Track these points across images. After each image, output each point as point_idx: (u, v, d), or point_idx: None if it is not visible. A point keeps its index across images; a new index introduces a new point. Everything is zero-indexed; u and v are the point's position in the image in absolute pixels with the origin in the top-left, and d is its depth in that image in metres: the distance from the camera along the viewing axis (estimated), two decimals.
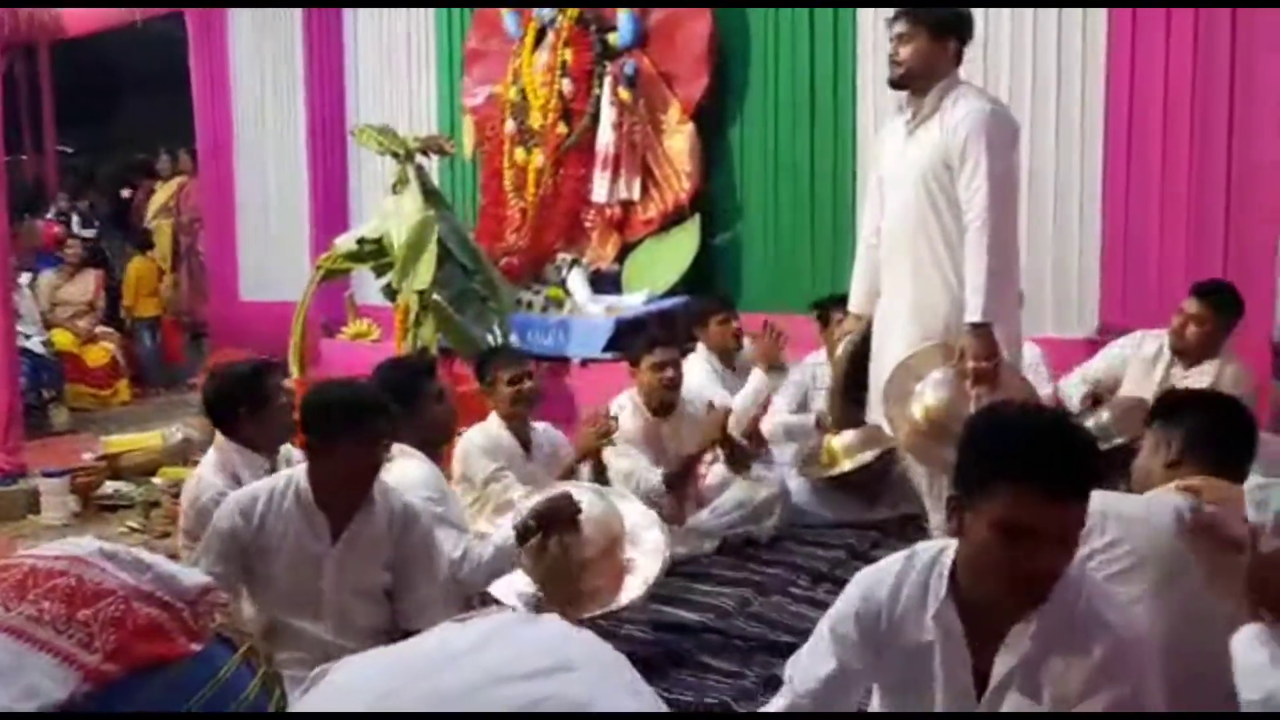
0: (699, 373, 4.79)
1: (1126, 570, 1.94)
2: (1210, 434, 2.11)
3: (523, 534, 2.87)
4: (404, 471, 2.85)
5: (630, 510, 3.22)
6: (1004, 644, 1.66)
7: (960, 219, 3.10)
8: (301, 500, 2.52)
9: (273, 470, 3.05)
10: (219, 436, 3.12)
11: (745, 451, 4.14)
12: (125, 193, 9.76)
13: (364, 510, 2.53)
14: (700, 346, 4.84)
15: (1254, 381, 3.77)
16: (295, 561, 2.53)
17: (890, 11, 3.29)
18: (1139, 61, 4.62)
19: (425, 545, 2.59)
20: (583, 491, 3.09)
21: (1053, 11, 4.87)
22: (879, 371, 3.30)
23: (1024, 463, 1.58)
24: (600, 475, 3.77)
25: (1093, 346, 4.76)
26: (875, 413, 3.38)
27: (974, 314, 3.03)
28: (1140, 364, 3.95)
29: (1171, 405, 2.23)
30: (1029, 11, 4.94)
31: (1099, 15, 4.74)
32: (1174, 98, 4.54)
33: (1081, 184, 4.86)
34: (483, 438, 3.68)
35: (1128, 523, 1.98)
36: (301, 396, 5.02)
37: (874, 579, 1.78)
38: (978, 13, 4.93)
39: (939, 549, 1.75)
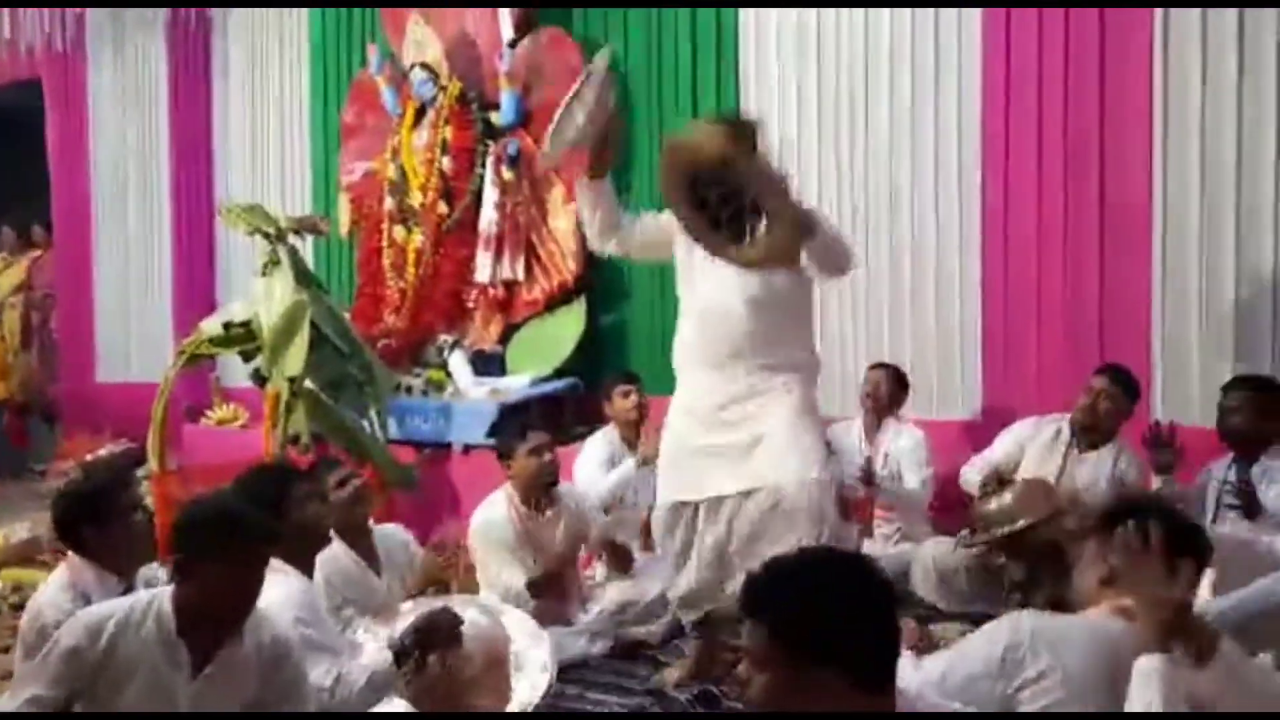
0: (594, 458, 4.66)
1: (1059, 702, 1.86)
2: None
3: (400, 654, 2.67)
4: (272, 589, 2.62)
5: (513, 623, 3.05)
6: None
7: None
8: (162, 626, 2.26)
9: (129, 591, 2.79)
10: (70, 553, 2.88)
11: (622, 552, 3.98)
12: None
13: (232, 641, 2.29)
14: (609, 426, 4.76)
15: (1144, 469, 3.83)
16: (146, 694, 2.26)
17: None
18: (1013, 144, 4.73)
19: (294, 684, 2.36)
20: (464, 606, 2.90)
21: (929, 97, 4.97)
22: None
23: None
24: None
25: (976, 429, 4.81)
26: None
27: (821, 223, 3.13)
28: (1038, 449, 4.00)
29: (1113, 516, 2.14)
30: (906, 101, 5.03)
31: (973, 104, 4.84)
32: (1047, 181, 4.66)
33: (961, 268, 4.93)
34: (327, 570, 3.18)
35: (1061, 649, 1.91)
36: (164, 507, 4.74)
37: None
38: (854, 105, 5.14)
39: None
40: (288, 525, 2.77)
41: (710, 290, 3.30)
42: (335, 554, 3.02)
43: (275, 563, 2.68)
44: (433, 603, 2.95)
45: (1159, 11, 4.36)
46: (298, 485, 2.89)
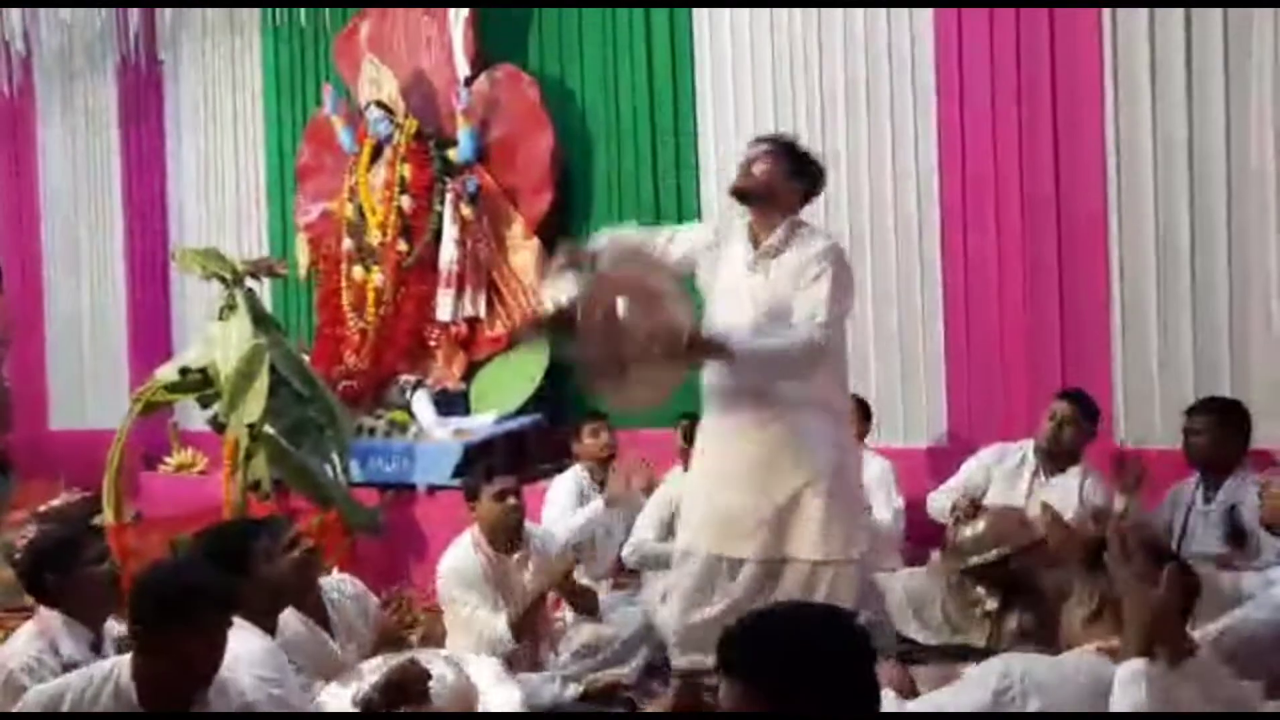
0: (562, 497, 4.60)
1: None
2: None
3: (368, 712, 2.61)
4: (234, 648, 2.54)
5: (481, 672, 2.99)
6: None
7: None
8: (121, 698, 2.20)
9: (98, 643, 2.74)
10: (39, 606, 2.87)
11: (587, 594, 3.90)
12: None
13: (197, 708, 2.23)
14: (578, 465, 4.72)
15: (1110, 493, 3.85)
16: None
17: None
18: (969, 181, 4.78)
19: None
20: (431, 658, 2.84)
21: (886, 137, 5.00)
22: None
23: None
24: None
25: (941, 455, 4.82)
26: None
27: (738, 344, 2.94)
28: (1004, 476, 4.02)
29: (1098, 552, 2.13)
30: (864, 138, 5.06)
31: (929, 115, 4.87)
32: (1004, 213, 4.71)
33: (923, 296, 4.95)
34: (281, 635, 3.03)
35: (1052, 692, 1.90)
36: (122, 559, 4.65)
37: None
38: (811, 131, 5.16)
39: None
40: (252, 582, 2.72)
41: (724, 316, 3.19)
42: (284, 617, 2.94)
43: (238, 620, 2.62)
44: (397, 658, 2.88)
45: (1107, 10, 4.41)
46: (261, 540, 2.83)
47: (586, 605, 3.85)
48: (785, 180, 3.20)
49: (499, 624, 3.61)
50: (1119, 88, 4.42)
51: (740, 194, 3.22)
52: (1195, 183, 4.32)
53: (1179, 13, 4.28)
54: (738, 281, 3.22)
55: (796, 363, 3.04)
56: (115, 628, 2.87)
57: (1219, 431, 3.68)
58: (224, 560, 2.63)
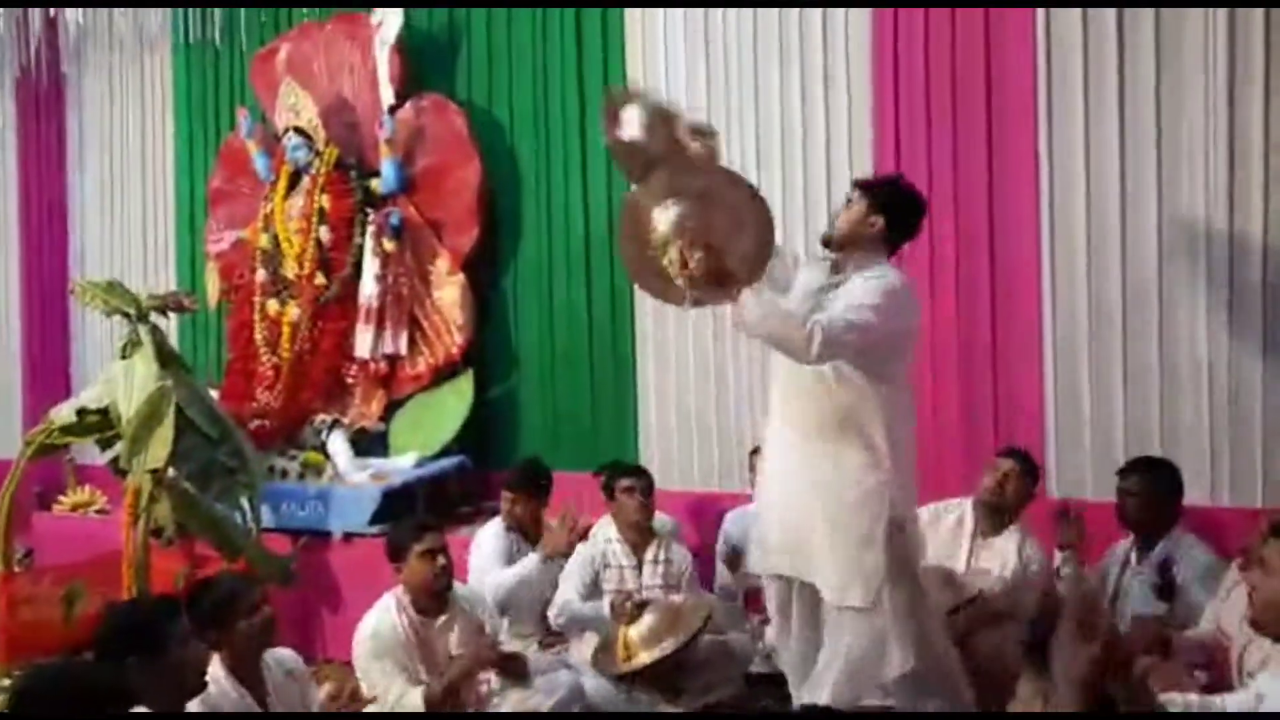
0: (490, 545, 4.38)
1: None
2: None
3: None
4: None
5: None
6: None
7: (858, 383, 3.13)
8: None
9: None
10: None
11: (515, 660, 3.73)
12: None
13: None
14: (503, 514, 4.49)
15: (1046, 554, 3.81)
16: None
17: None
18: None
19: None
20: None
21: (821, 182, 4.94)
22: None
23: None
24: None
25: None
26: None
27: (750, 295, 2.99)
28: (942, 537, 3.94)
29: (1042, 646, 2.07)
30: (798, 176, 5.00)
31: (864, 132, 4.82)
32: (939, 256, 4.67)
33: None
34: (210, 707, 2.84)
35: None
36: (12, 610, 4.31)
37: None
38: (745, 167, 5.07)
39: None
40: (165, 666, 2.50)
41: None
42: (224, 688, 2.75)
43: (143, 712, 2.40)
44: None
45: (1041, 13, 4.39)
46: (179, 622, 2.59)
47: (515, 671, 3.66)
48: (861, 218, 3.25)
49: (412, 700, 3.40)
50: (1053, 138, 4.42)
51: (826, 244, 3.35)
52: (1127, 232, 4.32)
53: (1113, 60, 4.28)
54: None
55: (794, 341, 3.00)
56: None
57: (1152, 492, 3.66)
58: (135, 642, 2.43)
